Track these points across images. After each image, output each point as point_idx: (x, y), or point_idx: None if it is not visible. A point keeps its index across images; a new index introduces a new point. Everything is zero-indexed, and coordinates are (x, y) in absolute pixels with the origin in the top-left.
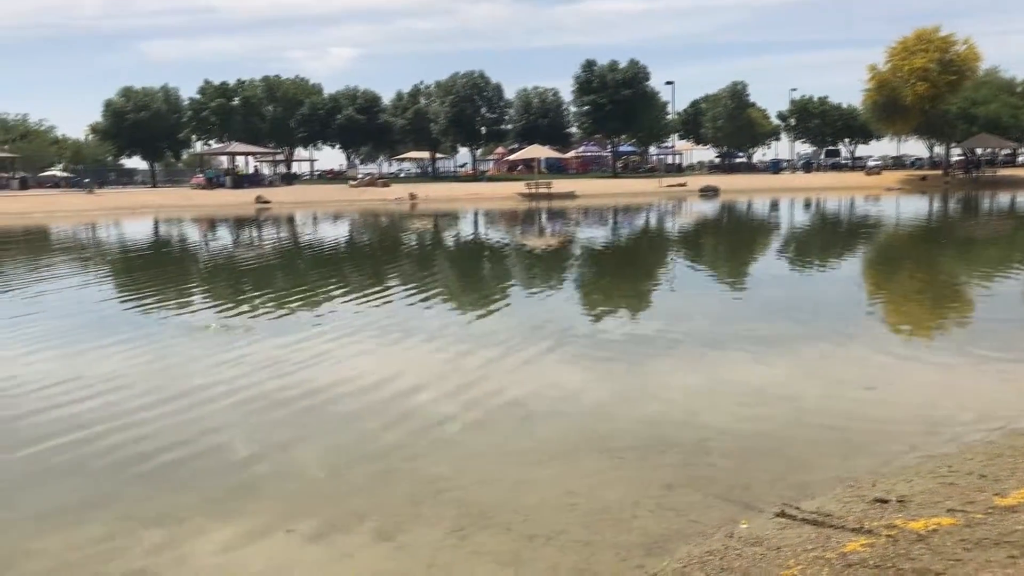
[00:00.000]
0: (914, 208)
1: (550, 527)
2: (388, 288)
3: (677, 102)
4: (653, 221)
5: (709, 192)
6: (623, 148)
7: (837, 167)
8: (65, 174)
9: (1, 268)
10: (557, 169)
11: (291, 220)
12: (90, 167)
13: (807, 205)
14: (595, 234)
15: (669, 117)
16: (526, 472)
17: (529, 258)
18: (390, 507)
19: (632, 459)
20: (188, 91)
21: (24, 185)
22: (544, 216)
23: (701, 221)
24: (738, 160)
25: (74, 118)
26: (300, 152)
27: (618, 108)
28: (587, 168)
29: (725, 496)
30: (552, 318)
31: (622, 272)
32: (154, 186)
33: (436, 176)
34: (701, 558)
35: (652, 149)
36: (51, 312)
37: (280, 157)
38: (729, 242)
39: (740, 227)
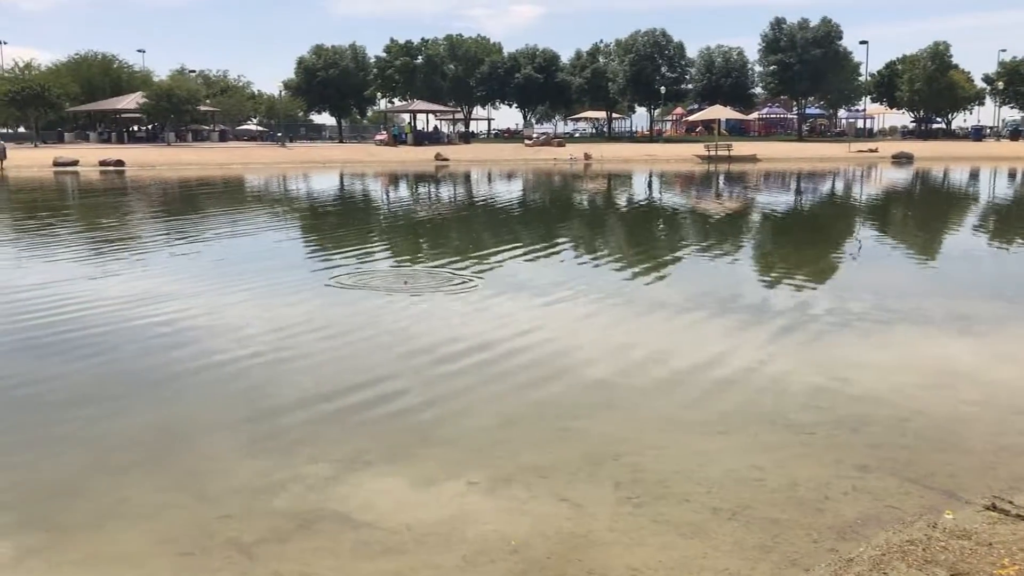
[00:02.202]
0: None
1: (734, 501)
2: (558, 248)
3: (871, 63)
4: (840, 188)
5: (902, 159)
6: (810, 110)
7: None
8: (260, 128)
9: (207, 215)
10: (739, 131)
11: (467, 177)
12: (283, 122)
13: (1012, 176)
14: (776, 200)
15: (861, 79)
16: (705, 443)
17: (705, 222)
18: (565, 466)
19: (821, 436)
20: (375, 49)
21: (223, 137)
22: (722, 179)
23: (892, 189)
24: (935, 126)
25: (270, 74)
26: (479, 111)
27: (807, 68)
28: (771, 131)
29: (926, 483)
30: (727, 284)
31: (803, 240)
32: (341, 141)
33: (612, 136)
34: (901, 547)
35: (842, 112)
36: (243, 259)
37: (459, 115)
38: (921, 212)
39: (934, 197)
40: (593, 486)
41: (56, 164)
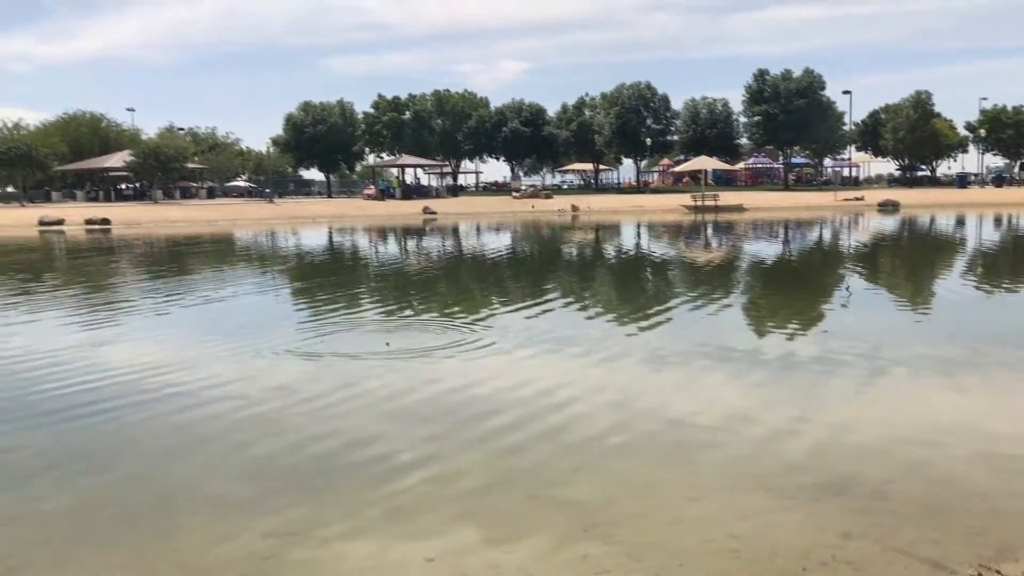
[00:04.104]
0: None
1: (709, 574)
2: (547, 299)
3: (855, 112)
4: (827, 236)
5: (889, 207)
6: (796, 160)
7: None
8: (249, 184)
9: (194, 272)
10: (725, 181)
11: (455, 230)
12: (271, 178)
13: (998, 222)
14: (764, 249)
15: (846, 128)
16: (682, 508)
17: (693, 272)
18: (537, 537)
19: (803, 500)
20: (363, 105)
21: (212, 194)
22: (710, 229)
23: (879, 237)
24: (920, 174)
25: (259, 131)
26: (466, 164)
27: (791, 118)
28: (757, 180)
29: (911, 551)
30: (715, 335)
31: (792, 289)
32: (329, 196)
33: (599, 188)
34: None
35: (827, 161)
36: (229, 316)
37: (447, 169)
38: (910, 260)
39: (922, 244)
40: (566, 560)
41: (41, 223)
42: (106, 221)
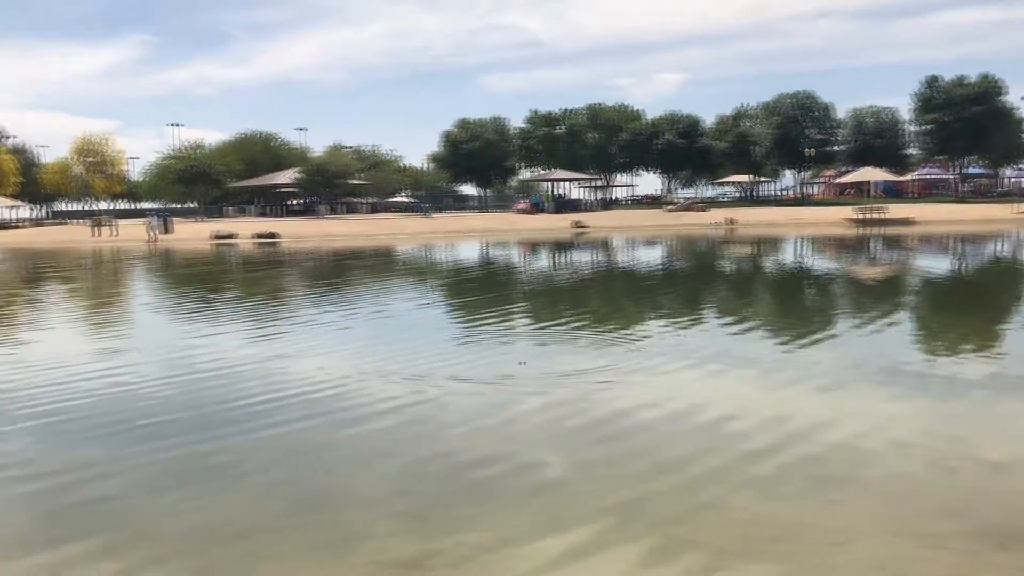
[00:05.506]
0: None
1: None
2: (702, 314)
3: None
4: (1006, 251)
5: None
6: (971, 170)
7: None
8: (408, 200)
9: (358, 286)
10: (892, 193)
11: (606, 244)
12: (429, 193)
13: None
14: (935, 264)
15: None
16: (823, 555)
17: (857, 288)
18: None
19: (957, 550)
20: (516, 121)
21: (374, 209)
22: (875, 243)
23: None
24: None
25: (417, 148)
26: (619, 177)
27: (966, 126)
28: (927, 192)
29: None
30: (880, 354)
31: (966, 307)
32: (484, 211)
33: (757, 200)
34: None
35: (1007, 171)
36: (392, 332)
37: (599, 183)
38: None
39: None
40: None
41: (215, 237)
42: (274, 235)
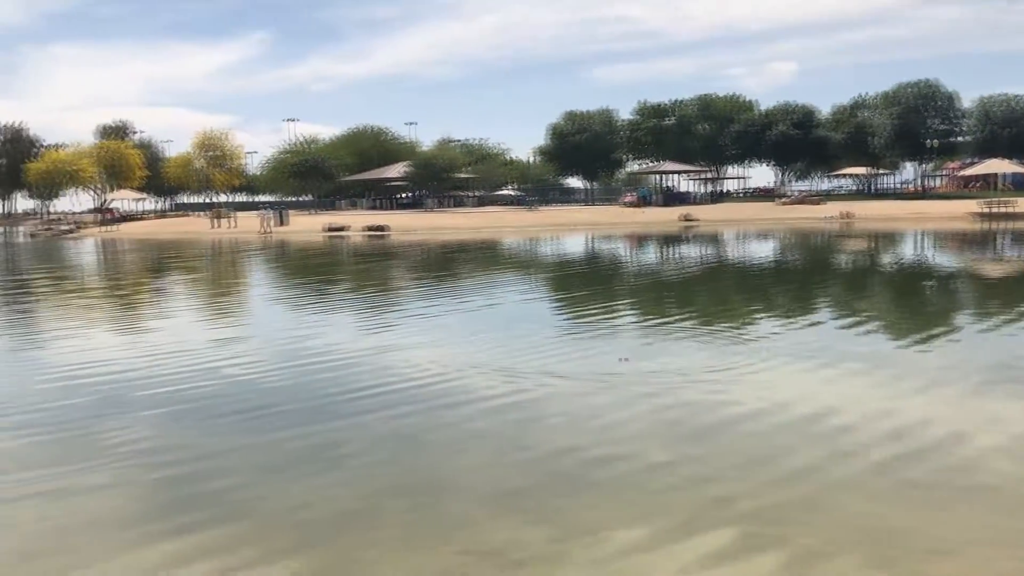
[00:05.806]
0: None
1: None
2: (816, 311)
3: None
4: None
5: None
6: None
7: None
8: (515, 193)
9: (466, 278)
10: (1022, 186)
11: (715, 238)
12: (535, 186)
13: None
14: None
15: None
16: (920, 563)
17: (983, 287)
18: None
19: None
20: (624, 112)
21: (480, 203)
22: (1003, 239)
23: None
24: None
25: (523, 141)
26: (730, 170)
27: None
28: None
29: None
30: (1005, 359)
31: None
32: (590, 204)
33: (875, 193)
34: None
35: None
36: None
37: (709, 175)
38: None
39: None
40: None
41: (327, 229)
42: (383, 228)
